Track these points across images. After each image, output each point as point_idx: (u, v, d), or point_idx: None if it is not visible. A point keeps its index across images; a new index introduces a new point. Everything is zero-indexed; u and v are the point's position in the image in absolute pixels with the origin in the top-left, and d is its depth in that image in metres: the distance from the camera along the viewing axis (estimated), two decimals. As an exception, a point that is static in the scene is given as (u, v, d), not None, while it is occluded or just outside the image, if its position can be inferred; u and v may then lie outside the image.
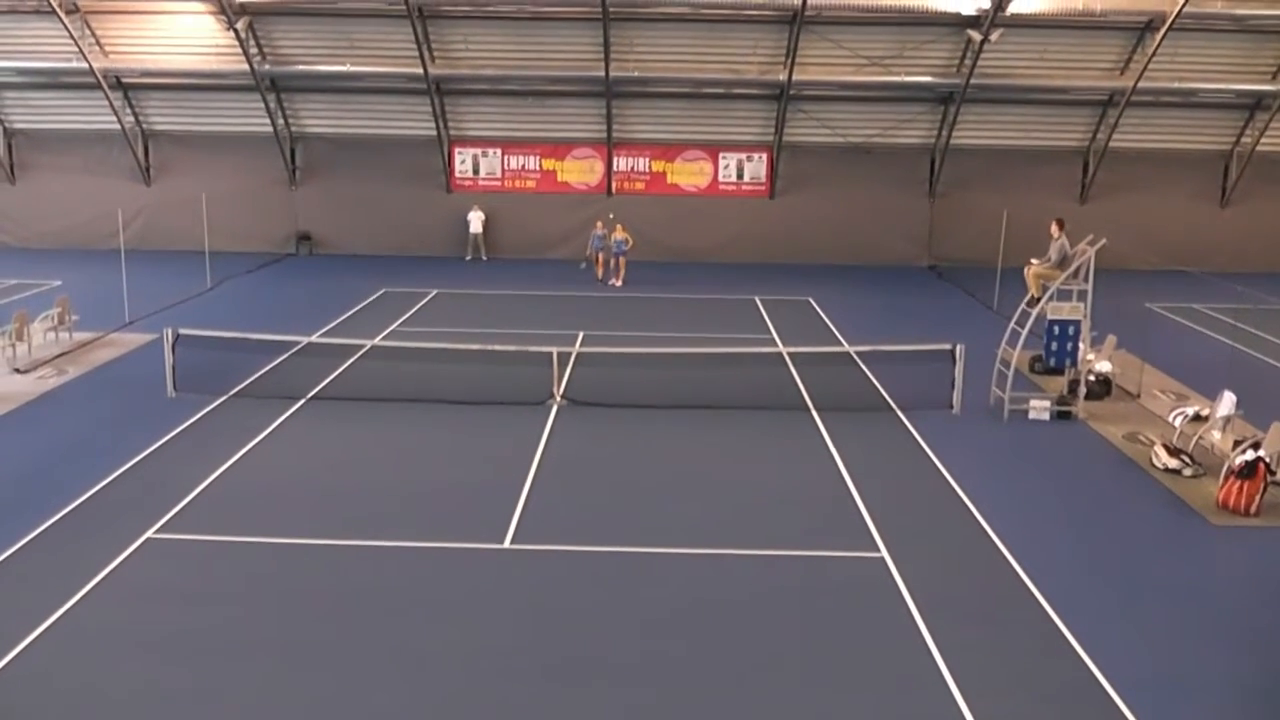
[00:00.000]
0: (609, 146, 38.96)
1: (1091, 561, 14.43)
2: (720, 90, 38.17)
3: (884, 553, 14.47)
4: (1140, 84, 35.35)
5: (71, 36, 34.72)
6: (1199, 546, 15.15)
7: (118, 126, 38.09)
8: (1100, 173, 38.57)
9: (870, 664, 11.66)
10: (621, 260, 34.24)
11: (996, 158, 38.77)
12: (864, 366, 23.69)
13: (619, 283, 34.10)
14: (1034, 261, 22.44)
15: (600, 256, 34.71)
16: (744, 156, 39.42)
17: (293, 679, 11.14)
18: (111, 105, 37.28)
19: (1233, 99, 37.56)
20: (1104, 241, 20.48)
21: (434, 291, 32.75)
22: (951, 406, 20.89)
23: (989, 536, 15.11)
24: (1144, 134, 38.26)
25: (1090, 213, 36.55)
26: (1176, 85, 36.35)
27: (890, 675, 11.42)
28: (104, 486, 16.34)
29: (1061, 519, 15.91)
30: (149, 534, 14.58)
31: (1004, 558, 14.41)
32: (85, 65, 35.60)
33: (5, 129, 39.57)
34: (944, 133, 38.06)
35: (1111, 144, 37.80)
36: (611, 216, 35.56)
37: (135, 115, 38.98)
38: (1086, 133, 38.59)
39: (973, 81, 35.65)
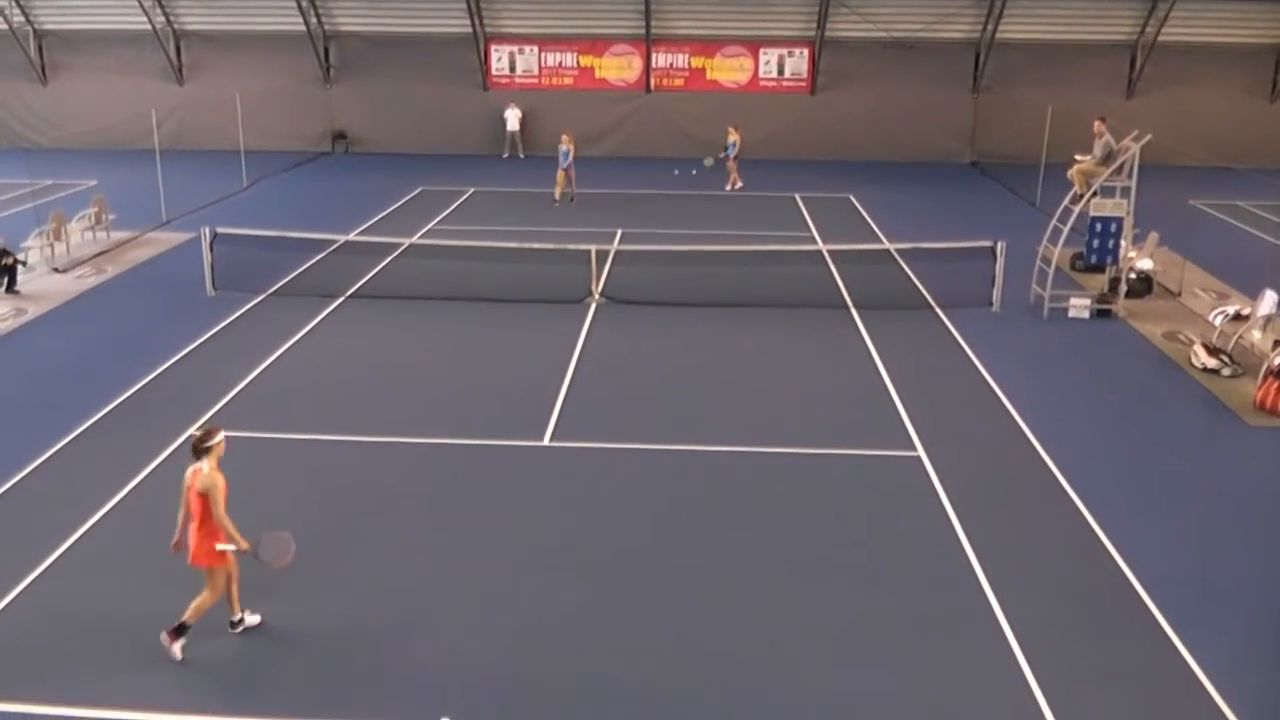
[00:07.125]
0: (648, 43, 38.39)
1: (1127, 461, 14.39)
2: (761, -16, 37.44)
3: (920, 451, 14.48)
4: (1192, -26, 34.40)
5: (101, -67, 34.43)
6: (1235, 447, 15.06)
7: (148, 26, 37.83)
8: (1148, 67, 37.65)
9: (904, 562, 11.72)
10: (732, 162, 33.27)
11: (1042, 52, 37.83)
12: (904, 264, 23.51)
13: (740, 184, 33.35)
14: (1079, 158, 22.10)
15: (565, 175, 30.69)
16: (785, 52, 38.75)
17: (335, 573, 11.34)
18: (141, 4, 36.99)
19: (1286, -12, 36.49)
20: (1149, 137, 20.09)
21: (471, 190, 32.63)
22: (991, 304, 20.75)
23: (1025, 435, 15.08)
24: (1193, 27, 37.15)
25: (1137, 108, 35.76)
26: (1229, -25, 35.35)
27: (924, 573, 11.49)
28: (145, 384, 16.55)
29: (1098, 418, 15.84)
30: (191, 430, 14.76)
31: (1040, 456, 14.39)
32: (115, -38, 35.29)
33: (35, 30, 39.34)
34: (989, 27, 37.20)
35: (1160, 37, 36.86)
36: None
37: (166, 14, 38.65)
38: (1135, 26, 37.55)
39: (1019, -27, 34.79)
